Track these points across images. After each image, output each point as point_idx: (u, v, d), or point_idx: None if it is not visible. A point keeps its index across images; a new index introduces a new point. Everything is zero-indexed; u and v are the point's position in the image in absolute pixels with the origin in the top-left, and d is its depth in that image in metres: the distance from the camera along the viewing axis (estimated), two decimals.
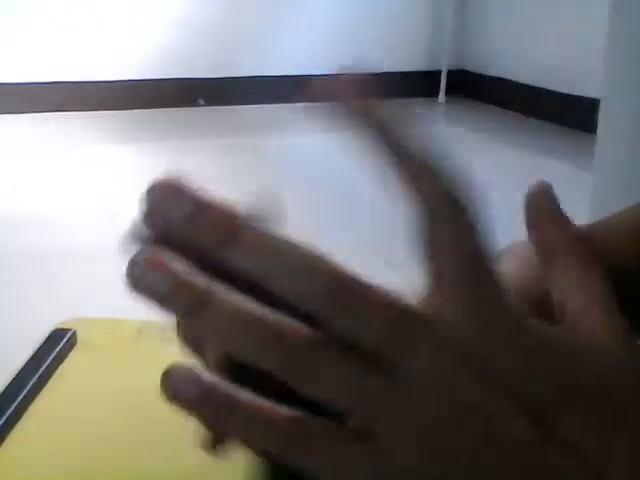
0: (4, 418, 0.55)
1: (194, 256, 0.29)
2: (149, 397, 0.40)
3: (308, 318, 0.28)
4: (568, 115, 4.03)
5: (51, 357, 0.63)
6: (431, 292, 0.30)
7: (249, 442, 0.30)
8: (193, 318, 0.28)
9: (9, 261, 2.41)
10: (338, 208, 3.00)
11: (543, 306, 0.36)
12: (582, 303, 0.34)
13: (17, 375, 0.60)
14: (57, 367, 0.63)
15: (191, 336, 0.38)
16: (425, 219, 0.29)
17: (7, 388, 0.58)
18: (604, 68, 1.15)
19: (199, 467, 0.51)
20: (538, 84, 4.34)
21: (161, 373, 0.29)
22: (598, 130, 1.17)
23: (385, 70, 4.76)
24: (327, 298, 0.28)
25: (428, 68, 4.89)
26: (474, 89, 4.81)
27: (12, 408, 0.56)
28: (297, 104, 4.62)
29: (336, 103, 0.29)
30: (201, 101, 4.53)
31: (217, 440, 0.39)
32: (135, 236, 0.31)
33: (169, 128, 4.13)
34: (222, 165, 3.51)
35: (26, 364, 0.62)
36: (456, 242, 0.29)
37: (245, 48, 4.56)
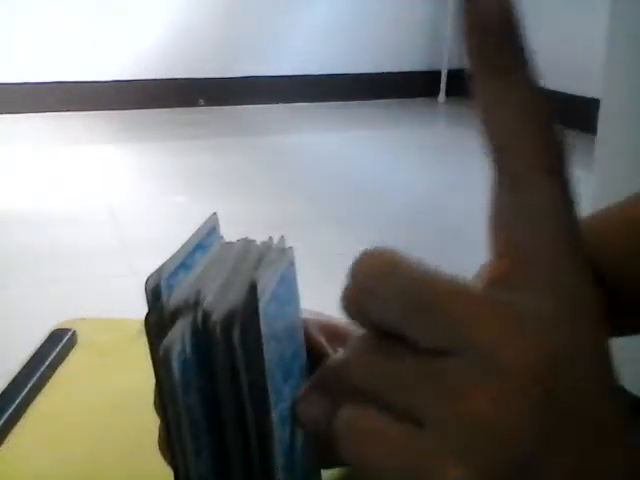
0: (4, 418, 0.55)
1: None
2: (149, 397, 0.40)
3: None
4: (568, 115, 4.02)
5: (51, 357, 0.63)
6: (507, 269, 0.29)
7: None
8: None
9: (9, 261, 2.41)
10: (338, 207, 3.00)
11: None
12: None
13: (17, 375, 0.60)
14: (57, 367, 0.63)
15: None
16: (507, 193, 0.29)
17: (7, 388, 0.58)
18: (604, 68, 1.15)
19: None
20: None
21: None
22: (598, 130, 1.17)
23: (385, 70, 4.76)
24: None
25: (428, 68, 4.89)
26: None
27: (12, 408, 0.56)
28: (297, 104, 4.62)
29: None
30: (201, 101, 4.53)
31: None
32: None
33: (169, 128, 4.13)
34: (222, 165, 3.51)
35: (26, 364, 0.62)
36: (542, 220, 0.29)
37: (245, 48, 4.56)
